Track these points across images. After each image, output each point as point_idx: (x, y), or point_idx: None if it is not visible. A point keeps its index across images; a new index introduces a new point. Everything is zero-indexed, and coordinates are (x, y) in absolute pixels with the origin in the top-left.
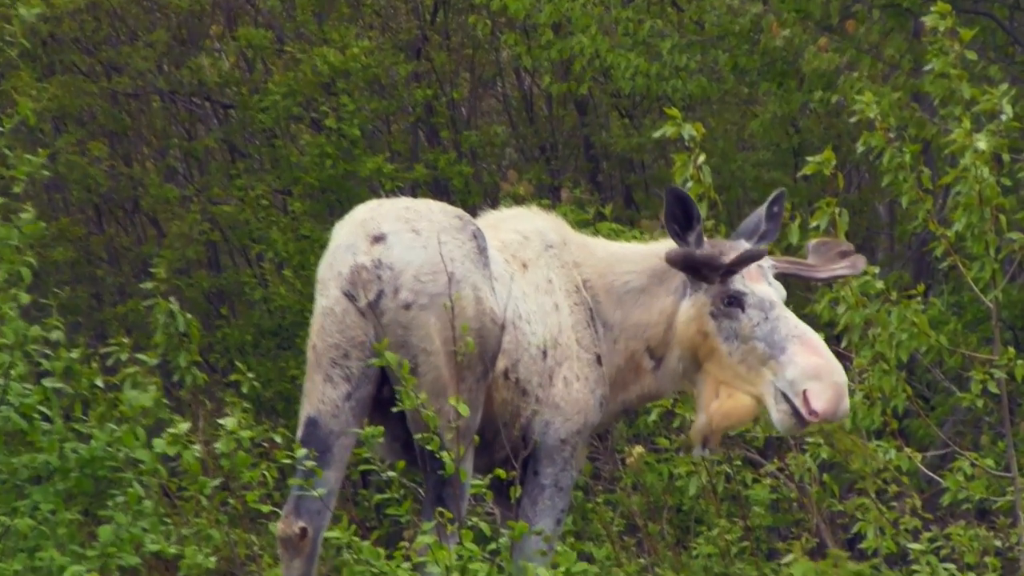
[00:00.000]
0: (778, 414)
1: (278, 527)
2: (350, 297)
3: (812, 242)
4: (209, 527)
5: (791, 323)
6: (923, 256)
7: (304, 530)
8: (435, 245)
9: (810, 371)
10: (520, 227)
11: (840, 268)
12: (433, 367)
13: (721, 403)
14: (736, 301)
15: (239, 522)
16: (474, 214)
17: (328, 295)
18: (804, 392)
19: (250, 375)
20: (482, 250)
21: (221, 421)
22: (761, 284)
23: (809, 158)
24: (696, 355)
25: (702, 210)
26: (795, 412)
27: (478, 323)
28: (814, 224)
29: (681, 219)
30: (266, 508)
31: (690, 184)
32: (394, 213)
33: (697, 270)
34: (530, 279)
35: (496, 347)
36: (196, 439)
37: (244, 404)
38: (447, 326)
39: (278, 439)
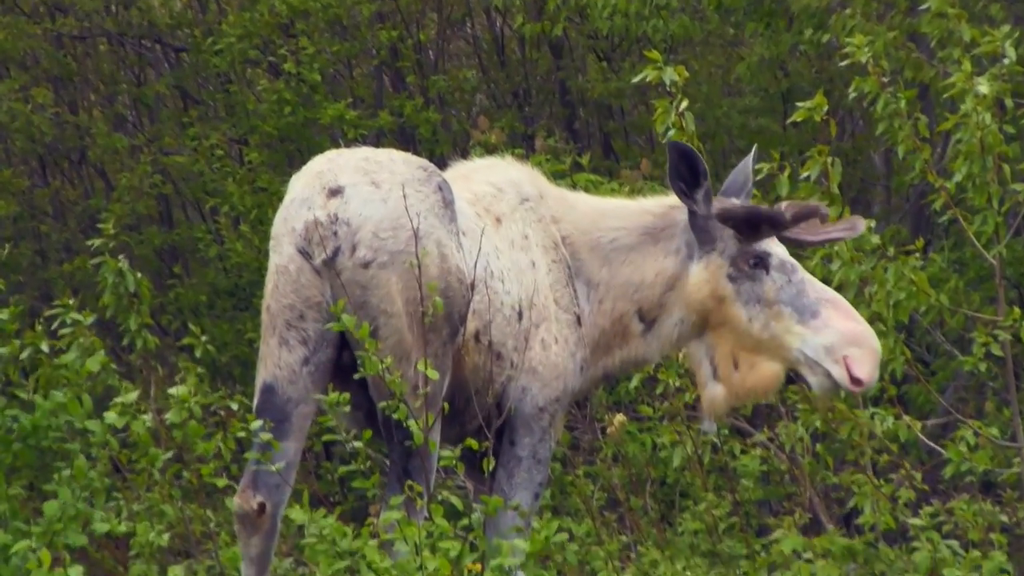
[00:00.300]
0: (817, 378)
1: (235, 502)
2: (305, 254)
3: (782, 204)
4: (162, 502)
5: (817, 286)
6: (922, 209)
7: (262, 505)
8: (396, 198)
9: (849, 337)
10: (493, 178)
11: (836, 231)
12: (395, 330)
13: (744, 374)
14: (762, 263)
15: (194, 497)
16: (443, 165)
17: (282, 252)
18: (844, 359)
19: (204, 338)
20: (448, 203)
21: (172, 390)
22: (777, 245)
23: (799, 104)
24: (704, 321)
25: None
26: (830, 379)
27: (443, 282)
28: (804, 175)
29: (687, 176)
30: (222, 482)
31: (672, 132)
32: (353, 164)
33: (756, 227)
34: (504, 234)
35: (464, 308)
36: (147, 408)
37: (198, 370)
38: (409, 285)
39: (235, 407)
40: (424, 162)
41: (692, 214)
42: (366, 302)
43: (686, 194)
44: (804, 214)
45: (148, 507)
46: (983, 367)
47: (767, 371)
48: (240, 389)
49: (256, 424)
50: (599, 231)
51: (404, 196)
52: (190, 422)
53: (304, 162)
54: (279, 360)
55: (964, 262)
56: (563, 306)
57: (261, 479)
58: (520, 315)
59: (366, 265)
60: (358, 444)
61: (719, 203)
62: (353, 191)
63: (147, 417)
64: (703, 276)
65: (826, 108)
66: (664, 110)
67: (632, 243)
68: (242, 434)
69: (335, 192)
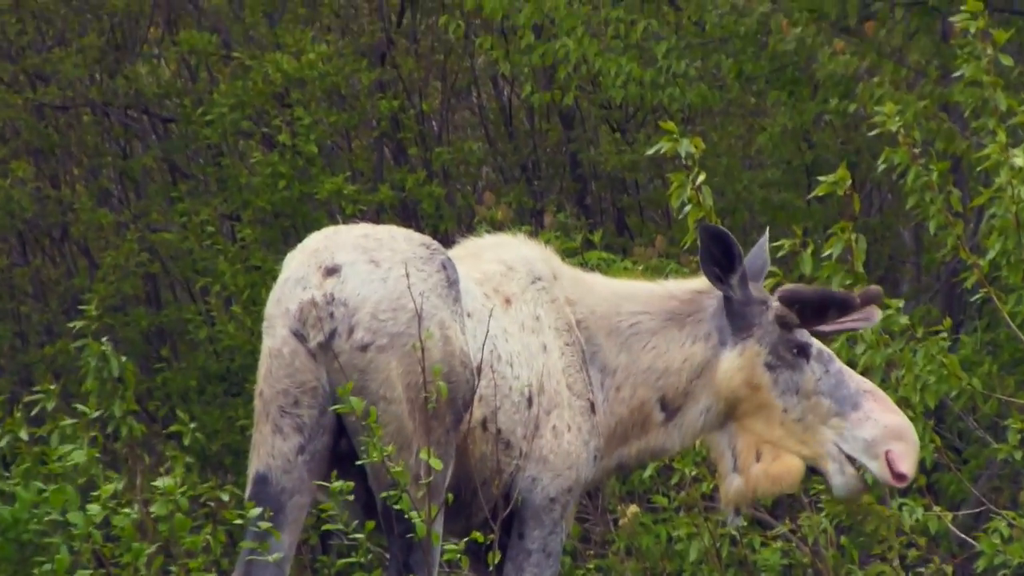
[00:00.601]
0: (843, 478)
1: None
2: (299, 337)
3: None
4: None
5: (856, 377)
6: (953, 288)
7: None
8: (396, 277)
9: (893, 430)
10: (504, 256)
11: (851, 320)
12: (395, 417)
13: (767, 466)
14: (803, 351)
15: None
16: (447, 242)
17: (275, 335)
18: (887, 453)
19: (193, 425)
20: (452, 283)
21: (157, 482)
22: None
23: (821, 178)
24: (731, 410)
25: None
26: (864, 477)
27: (447, 366)
28: (827, 252)
29: (720, 259)
30: None
31: (688, 208)
32: (351, 242)
33: (824, 312)
34: (514, 316)
35: (468, 393)
36: (132, 499)
37: (186, 459)
38: (410, 370)
39: (225, 498)
40: (427, 239)
41: (727, 299)
42: (364, 387)
43: (720, 279)
44: (871, 298)
45: None
46: (1019, 455)
47: (791, 464)
48: (231, 479)
49: (254, 512)
50: (618, 315)
51: (406, 275)
52: (176, 515)
53: (300, 239)
54: (273, 448)
55: (998, 344)
56: (576, 392)
57: (255, 572)
58: (530, 401)
59: (364, 348)
60: (359, 536)
61: (785, 289)
62: (351, 270)
63: (132, 509)
64: (737, 363)
65: (850, 182)
66: (680, 184)
67: (655, 328)
68: (237, 521)
69: (332, 271)
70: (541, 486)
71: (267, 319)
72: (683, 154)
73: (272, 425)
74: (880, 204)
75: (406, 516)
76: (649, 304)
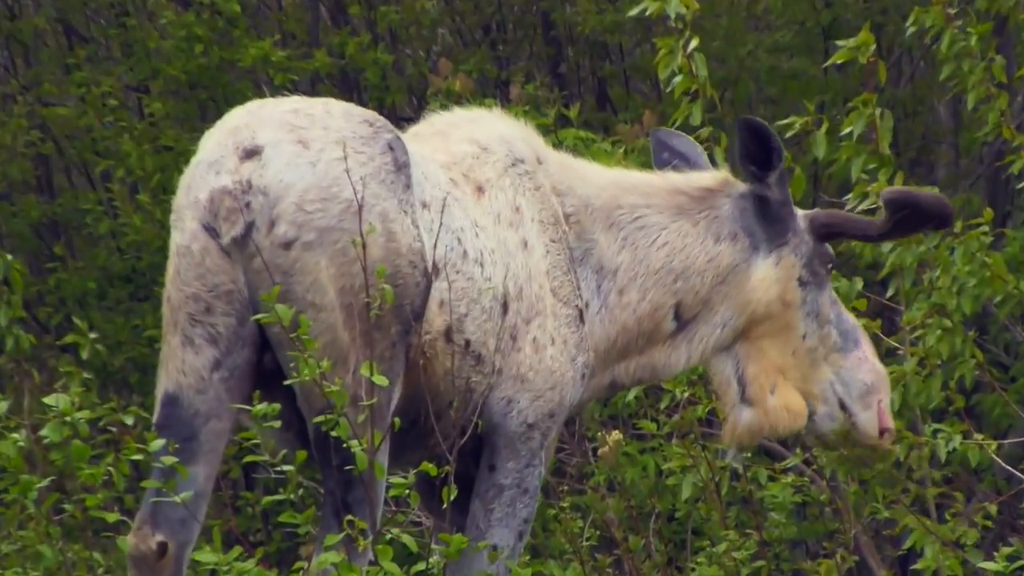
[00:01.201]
0: (831, 424)
1: (129, 542)
2: (211, 232)
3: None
4: (38, 542)
5: (846, 313)
6: (998, 173)
7: (163, 545)
8: (328, 161)
9: (884, 378)
10: (478, 135)
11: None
12: (326, 327)
13: (779, 400)
14: (831, 269)
15: (78, 536)
16: (395, 119)
17: (184, 229)
18: (879, 404)
19: (92, 336)
20: (400, 167)
21: (48, 399)
22: None
23: (840, 42)
24: (752, 329)
25: (695, 113)
26: (842, 424)
27: (391, 266)
28: (846, 130)
29: (758, 156)
30: (113, 517)
31: (678, 78)
32: (277, 118)
33: (923, 221)
34: (488, 206)
35: (419, 298)
36: (19, 424)
37: (84, 375)
38: (344, 271)
39: (129, 422)
40: (371, 115)
41: (762, 200)
42: (289, 291)
43: (758, 177)
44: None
45: (20, 548)
46: None
47: (799, 403)
48: (138, 400)
49: (157, 444)
50: (618, 208)
51: (343, 157)
52: (73, 441)
53: (220, 115)
54: (183, 364)
55: None
56: (562, 298)
57: (162, 513)
58: (505, 307)
59: (287, 245)
60: (288, 468)
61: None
62: (274, 152)
63: (19, 436)
64: (774, 274)
65: (874, 47)
66: (668, 51)
67: (664, 223)
68: (139, 456)
69: (251, 153)
70: (517, 409)
71: (175, 211)
72: (672, 15)
73: (181, 336)
74: (912, 74)
75: (344, 445)
76: (653, 197)
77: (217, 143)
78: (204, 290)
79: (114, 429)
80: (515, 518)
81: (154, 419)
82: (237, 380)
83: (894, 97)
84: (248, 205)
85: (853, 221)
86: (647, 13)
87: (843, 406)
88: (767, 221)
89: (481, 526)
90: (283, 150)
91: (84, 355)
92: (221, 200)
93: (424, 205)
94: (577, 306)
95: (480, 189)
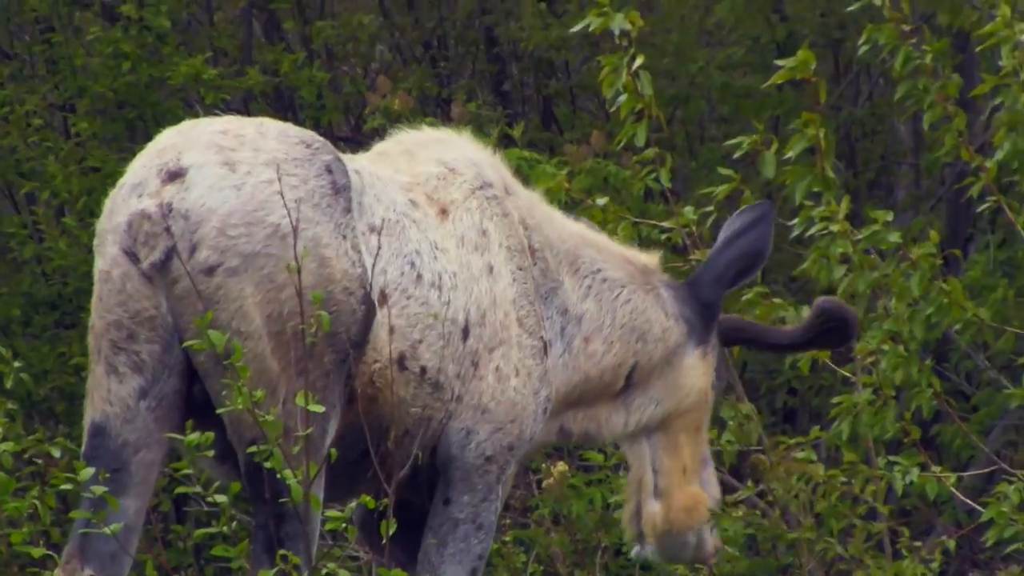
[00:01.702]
0: (709, 538)
1: None
2: (131, 257)
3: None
4: None
5: None
6: (959, 195)
7: None
8: (255, 184)
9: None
10: (446, 156)
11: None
12: (254, 356)
13: (684, 498)
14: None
15: (3, 572)
16: (332, 139)
17: (105, 254)
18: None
19: (17, 364)
20: (339, 190)
21: None
22: None
23: (780, 61)
24: (673, 421)
25: (640, 133)
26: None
27: (323, 293)
28: (789, 153)
29: (740, 273)
30: (38, 552)
31: (622, 98)
32: (206, 140)
33: (842, 338)
34: (452, 229)
35: (356, 326)
36: None
37: (8, 405)
38: (271, 298)
39: (56, 454)
40: (309, 136)
41: (705, 302)
42: (213, 319)
43: (720, 282)
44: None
45: None
46: None
47: (702, 506)
48: (64, 431)
49: (87, 473)
50: (580, 257)
51: (277, 180)
52: None
53: (149, 135)
54: (108, 393)
55: (1016, 264)
56: (528, 328)
57: (92, 547)
58: (466, 332)
59: (210, 271)
60: (222, 500)
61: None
62: (197, 174)
63: None
64: (701, 367)
65: (813, 65)
66: (612, 69)
67: (624, 282)
68: (68, 487)
69: (174, 175)
70: (476, 441)
71: (98, 235)
72: (616, 31)
73: (105, 364)
74: (870, 92)
75: (278, 476)
76: (609, 257)
77: (142, 165)
78: (126, 316)
79: (39, 461)
80: (468, 554)
81: (82, 450)
82: (166, 410)
83: (852, 116)
84: (168, 229)
85: (764, 330)
86: (590, 29)
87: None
88: (699, 316)
89: (434, 561)
90: (207, 172)
91: (8, 384)
92: (140, 224)
93: (372, 229)
94: (542, 338)
95: (444, 211)
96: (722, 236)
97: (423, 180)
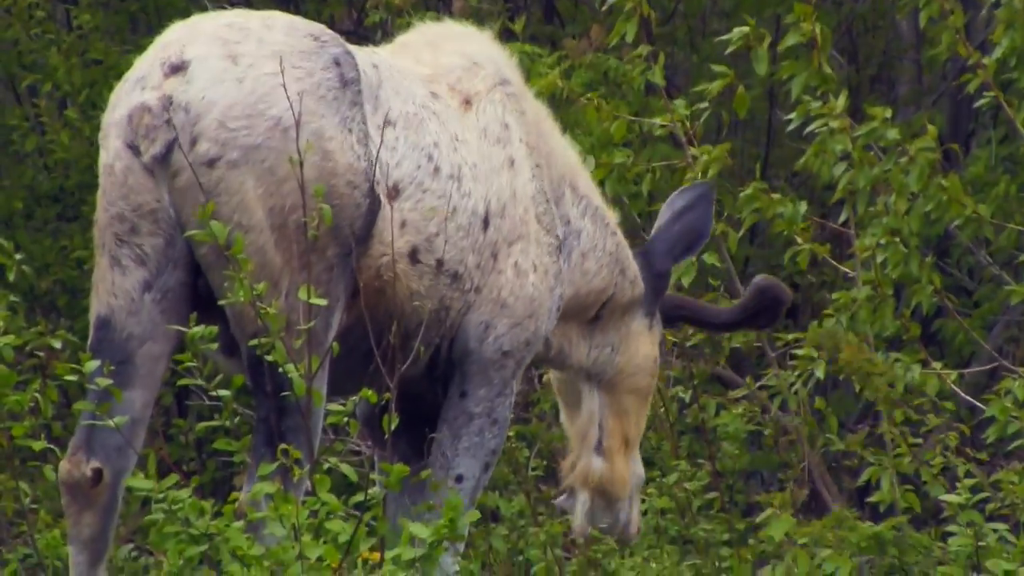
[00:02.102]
0: (632, 507)
1: (62, 468)
2: (133, 150)
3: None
4: None
5: None
6: (961, 90)
7: (99, 473)
8: (256, 77)
9: None
10: (469, 49)
11: None
12: (256, 249)
13: (624, 469)
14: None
15: (3, 464)
16: (341, 30)
17: (108, 148)
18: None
19: (18, 256)
20: (347, 83)
21: None
22: None
23: None
24: (624, 380)
25: (630, 31)
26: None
27: (325, 186)
28: (787, 45)
29: (689, 246)
30: (39, 445)
31: None
32: (211, 32)
33: (772, 318)
34: (473, 121)
35: (360, 220)
36: None
37: (11, 297)
38: (273, 191)
39: (57, 345)
40: (318, 28)
41: (656, 272)
42: (215, 212)
43: (672, 256)
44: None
45: None
46: None
47: (628, 474)
48: (66, 324)
49: (92, 365)
50: (578, 177)
51: (272, 73)
52: (0, 366)
53: (152, 26)
54: (113, 286)
55: (1017, 160)
56: (545, 226)
57: (98, 439)
58: (485, 223)
59: (211, 163)
60: (224, 393)
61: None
62: (200, 67)
63: None
64: (649, 337)
65: None
66: None
67: (607, 220)
68: (71, 378)
69: (176, 68)
70: (495, 335)
71: (103, 128)
72: None
73: (109, 257)
74: None
75: (280, 370)
76: (594, 194)
77: (146, 59)
78: (128, 209)
79: (40, 354)
80: (483, 448)
81: (88, 343)
82: (171, 303)
83: (853, 11)
84: (169, 122)
85: (701, 308)
86: None
87: (629, 499)
88: (650, 284)
89: (447, 453)
90: (209, 65)
91: (10, 277)
92: (141, 117)
93: (388, 123)
94: (558, 236)
95: (467, 102)
96: (665, 212)
97: (446, 71)
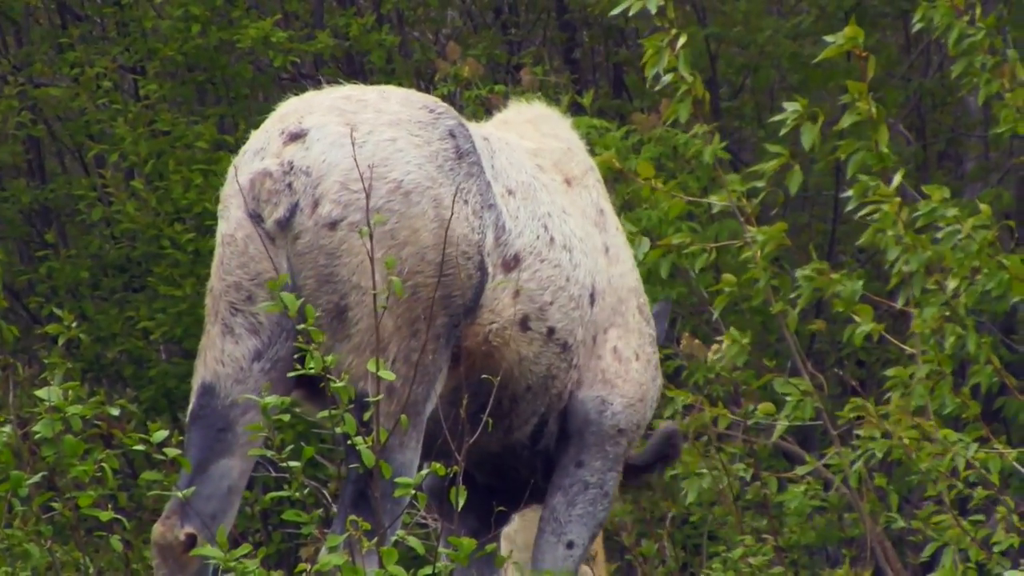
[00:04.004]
0: None
1: (155, 530)
2: (254, 218)
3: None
4: (26, 541)
5: None
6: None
7: (192, 538)
8: (377, 142)
9: None
10: (563, 134)
11: None
12: (369, 311)
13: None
14: None
15: (68, 535)
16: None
17: (229, 218)
18: None
19: (81, 326)
20: (462, 155)
21: (40, 392)
22: None
23: (828, 38)
24: None
25: (682, 112)
26: None
27: (438, 255)
28: (843, 126)
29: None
30: (106, 516)
31: (667, 77)
32: (329, 104)
33: (667, 463)
34: (576, 200)
35: (471, 291)
36: (6, 418)
37: (67, 365)
38: (393, 254)
39: (115, 413)
40: (432, 101)
41: None
42: (332, 274)
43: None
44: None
45: (7, 547)
46: None
47: None
48: (132, 394)
49: (160, 435)
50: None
51: (390, 140)
52: (65, 436)
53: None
54: (222, 354)
55: None
56: (646, 317)
57: (193, 505)
58: (592, 300)
59: (333, 225)
60: (295, 465)
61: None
62: (319, 133)
63: (7, 430)
64: None
65: (861, 39)
66: (655, 51)
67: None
68: (139, 447)
69: (296, 136)
70: (612, 411)
71: (222, 200)
72: (653, 9)
73: (222, 326)
74: (940, 63)
75: (349, 442)
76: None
77: (263, 131)
78: (246, 278)
79: (101, 424)
80: (594, 518)
81: (189, 409)
82: (280, 372)
83: (922, 87)
84: (291, 186)
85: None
86: (630, 13)
87: None
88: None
89: (561, 519)
90: (328, 131)
91: (60, 342)
92: (262, 182)
93: (509, 192)
94: (653, 331)
95: (568, 181)
96: None
97: (548, 149)
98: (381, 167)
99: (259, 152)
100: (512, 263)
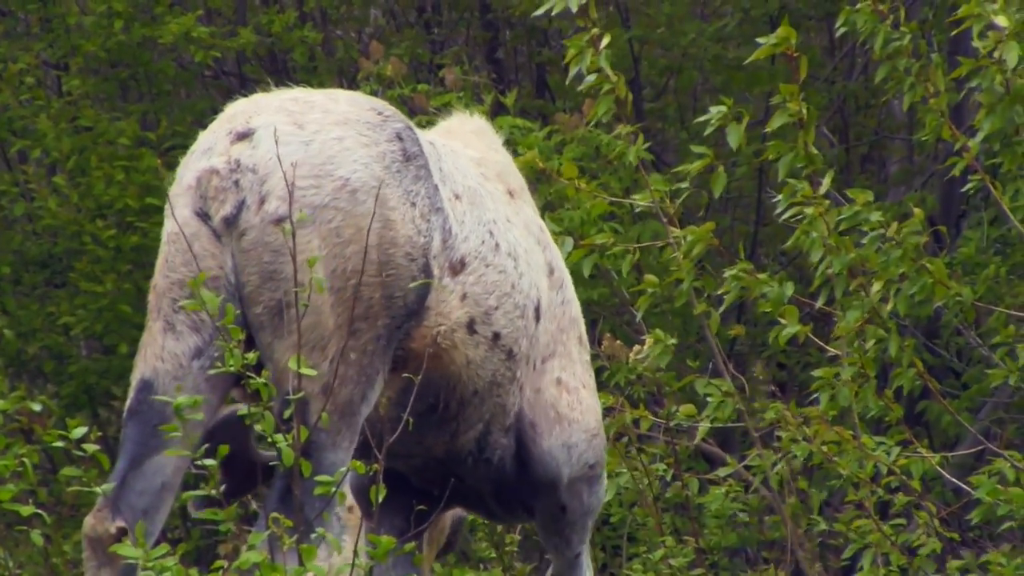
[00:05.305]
0: None
1: (87, 523)
2: (201, 216)
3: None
4: None
5: None
6: (949, 171)
7: (122, 532)
8: (324, 141)
9: None
10: (500, 148)
11: None
12: (313, 308)
13: None
14: None
15: None
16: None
17: (176, 216)
18: None
19: (2, 321)
20: (410, 157)
21: None
22: None
23: (760, 39)
24: None
25: (600, 107)
26: None
27: (383, 255)
28: (774, 127)
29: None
30: (27, 510)
31: (590, 78)
32: (276, 104)
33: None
34: (520, 212)
35: (413, 294)
36: None
37: None
38: (337, 253)
39: (37, 408)
40: (380, 104)
41: None
42: (276, 271)
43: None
44: None
45: None
46: None
47: None
48: (53, 389)
49: (79, 431)
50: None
51: (337, 138)
52: None
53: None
54: (162, 350)
55: (1009, 241)
56: (585, 346)
57: (126, 500)
58: (538, 315)
59: (279, 222)
60: (210, 463)
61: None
62: (266, 132)
63: None
64: None
65: (794, 41)
66: (578, 51)
67: None
68: (57, 444)
69: (243, 136)
70: (578, 452)
71: (169, 200)
72: (574, 8)
73: (163, 322)
74: (865, 65)
75: (269, 440)
76: None
77: (211, 131)
78: (191, 276)
79: (21, 419)
80: (586, 530)
81: (127, 404)
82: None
83: (846, 90)
84: (237, 183)
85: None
86: (553, 13)
87: None
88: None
89: (567, 554)
90: (276, 130)
91: None
92: (209, 180)
93: (456, 196)
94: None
95: (511, 193)
96: None
97: (492, 160)
98: (328, 164)
99: (207, 151)
100: (458, 266)
